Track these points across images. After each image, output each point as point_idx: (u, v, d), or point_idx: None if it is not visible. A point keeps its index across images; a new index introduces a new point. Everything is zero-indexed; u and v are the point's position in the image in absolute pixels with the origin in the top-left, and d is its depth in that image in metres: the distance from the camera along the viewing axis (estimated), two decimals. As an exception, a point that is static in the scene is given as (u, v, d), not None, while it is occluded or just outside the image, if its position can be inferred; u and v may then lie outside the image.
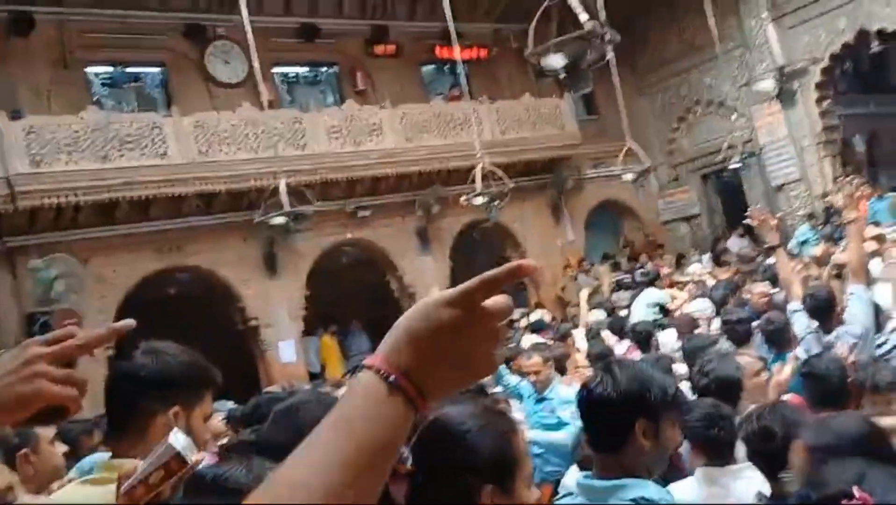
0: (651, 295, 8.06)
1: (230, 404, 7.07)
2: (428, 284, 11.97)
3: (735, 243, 13.25)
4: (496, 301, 0.72)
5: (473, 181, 9.28)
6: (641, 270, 11.04)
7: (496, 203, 9.66)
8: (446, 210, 11.80)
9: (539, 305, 12.25)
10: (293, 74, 13.01)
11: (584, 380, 1.94)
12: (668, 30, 14.50)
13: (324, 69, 13.18)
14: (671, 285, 9.60)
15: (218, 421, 3.86)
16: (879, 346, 3.68)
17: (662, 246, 14.71)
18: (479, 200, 9.46)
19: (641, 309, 7.86)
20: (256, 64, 8.38)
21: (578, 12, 4.07)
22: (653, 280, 8.55)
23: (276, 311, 10.64)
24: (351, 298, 12.53)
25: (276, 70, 12.17)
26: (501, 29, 13.44)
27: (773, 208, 13.59)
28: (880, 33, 11.66)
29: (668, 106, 15.03)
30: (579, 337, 7.06)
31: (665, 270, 11.57)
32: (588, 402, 1.77)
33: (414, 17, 12.74)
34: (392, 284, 12.11)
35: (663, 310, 7.60)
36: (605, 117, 14.23)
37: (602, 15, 5.69)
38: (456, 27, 9.52)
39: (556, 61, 4.22)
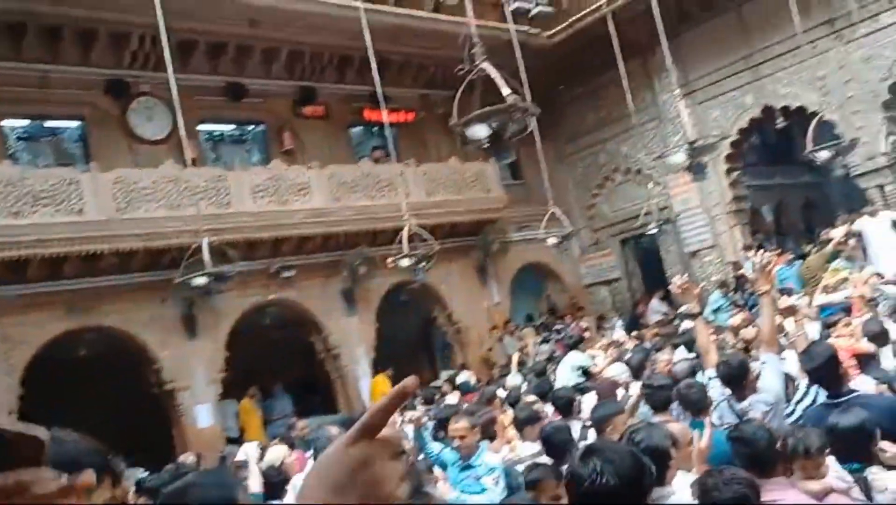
0: (574, 359, 8.16)
1: (141, 472, 6.74)
2: (353, 345, 11.86)
3: (656, 307, 13.66)
4: (389, 434, 0.75)
5: (400, 242, 9.33)
6: (567, 334, 11.21)
7: (423, 264, 9.71)
8: (373, 271, 11.77)
9: (464, 367, 12.26)
10: (219, 132, 12.93)
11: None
12: (588, 102, 15.13)
13: (250, 128, 13.14)
14: (606, 347, 9.76)
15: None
16: (788, 415, 3.81)
17: (583, 308, 15.02)
18: (406, 262, 9.50)
19: (565, 373, 7.95)
20: (181, 121, 8.28)
21: (501, 86, 4.21)
22: (576, 343, 8.66)
23: (194, 373, 10.29)
24: (274, 359, 12.25)
25: (201, 127, 12.07)
26: (429, 94, 13.75)
27: (688, 273, 14.14)
28: (784, 110, 12.45)
29: (589, 173, 15.57)
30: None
31: (587, 333, 11.78)
32: (589, 494, 1.73)
33: (343, 80, 12.91)
34: (317, 345, 11.92)
35: (586, 373, 7.69)
36: (530, 182, 14.62)
37: (525, 88, 5.91)
38: (384, 91, 9.70)
39: (479, 132, 4.34)
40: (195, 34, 10.96)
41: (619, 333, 11.07)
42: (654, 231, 13.35)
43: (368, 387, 11.66)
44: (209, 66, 11.62)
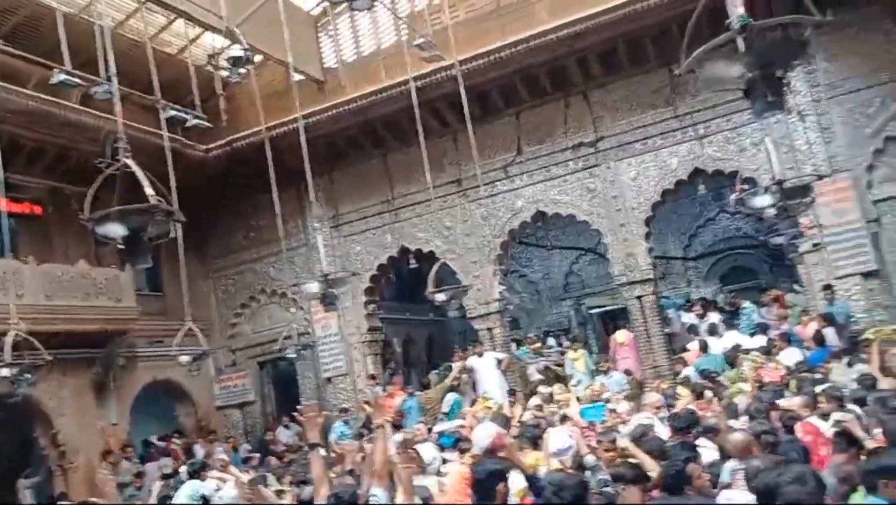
0: (193, 486, 7.69)
1: None
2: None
3: (282, 434, 13.54)
4: None
5: (2, 348, 8.08)
6: (190, 461, 10.49)
7: (28, 376, 8.47)
8: (-38, 380, 9.94)
9: (62, 498, 10.73)
10: None
11: None
12: (240, 220, 15.16)
13: None
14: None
15: None
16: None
17: (215, 432, 14.30)
18: (6, 372, 8.21)
19: (182, 501, 7.46)
20: None
21: (144, 185, 4.05)
22: (198, 470, 8.17)
23: None
24: None
25: None
26: (63, 189, 12.56)
27: (322, 400, 14.40)
28: (418, 252, 13.77)
29: (235, 292, 15.36)
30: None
31: (222, 457, 11.19)
32: None
33: (-43, 158, 11.23)
34: None
35: (205, 499, 7.27)
36: (169, 295, 13.90)
37: (174, 195, 5.75)
38: (7, 178, 8.66)
39: (114, 230, 4.08)
40: None
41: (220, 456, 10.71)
42: (293, 355, 13.43)
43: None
44: None
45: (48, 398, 11.55)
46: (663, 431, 6.33)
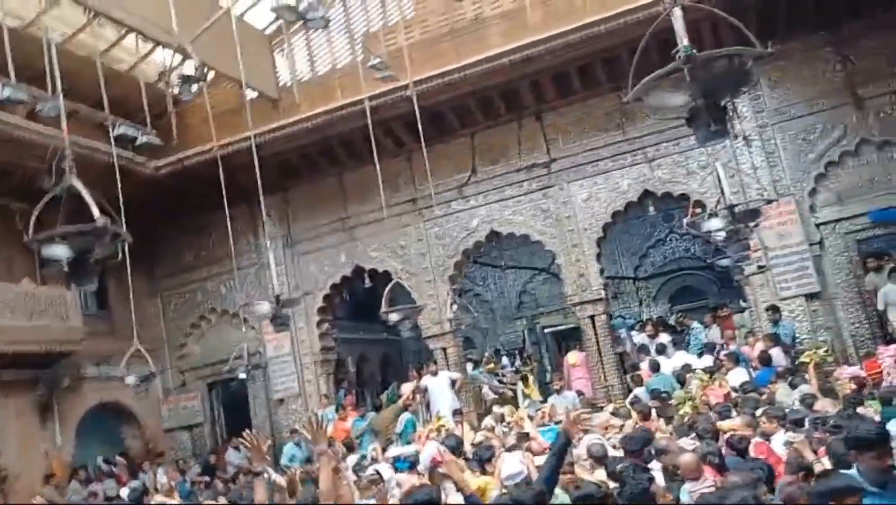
0: None
1: None
2: None
3: (233, 456, 13.31)
4: None
5: (-61, 371, 7.82)
6: (132, 487, 10.26)
7: (-34, 399, 8.20)
8: None
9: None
10: None
11: None
12: (190, 238, 14.94)
13: None
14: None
15: None
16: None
17: (163, 454, 14.00)
18: (-57, 394, 7.93)
19: None
20: None
21: (91, 205, 3.98)
22: (140, 495, 8.05)
23: None
24: None
25: None
26: (8, 205, 12.21)
27: (274, 421, 14.22)
28: (372, 272, 13.73)
29: (184, 311, 15.09)
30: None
31: (163, 481, 11.02)
32: None
33: None
34: None
35: None
36: (116, 314, 13.58)
37: (122, 214, 5.65)
38: (-52, 194, 8.40)
39: (59, 251, 3.99)
40: None
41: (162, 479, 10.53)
42: (244, 376, 13.24)
43: None
44: None
45: (-13, 421, 11.18)
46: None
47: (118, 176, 8.59)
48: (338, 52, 14.08)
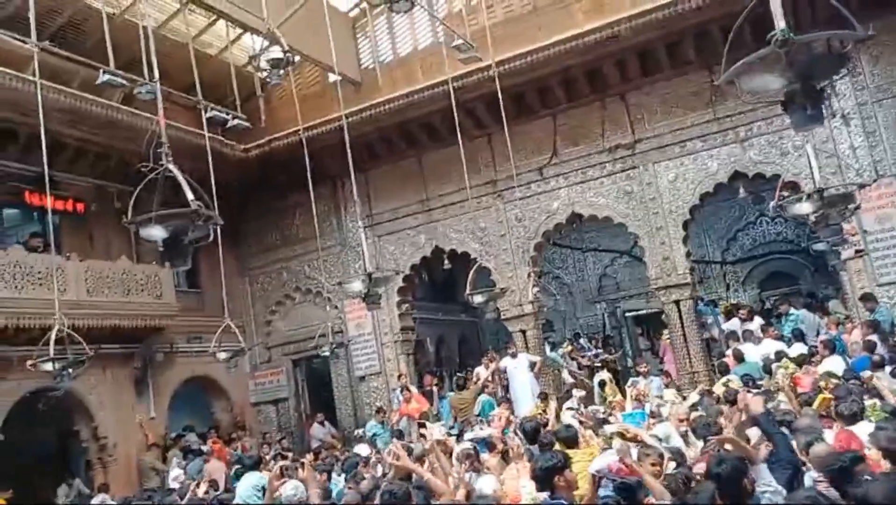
0: (253, 479, 7.92)
1: None
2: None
3: (317, 431, 13.66)
4: None
5: (46, 343, 8.24)
6: (248, 455, 10.67)
7: (70, 371, 8.64)
8: (7, 373, 10.21)
9: (103, 489, 10.96)
10: None
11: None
12: (276, 219, 15.33)
13: None
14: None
15: None
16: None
17: (246, 427, 14.50)
18: (50, 366, 8.37)
19: (245, 491, 7.75)
20: None
21: (185, 190, 4.11)
22: (256, 464, 8.42)
23: None
24: None
25: None
26: (105, 186, 12.80)
27: (355, 397, 14.52)
28: (451, 253, 13.77)
29: (269, 290, 15.52)
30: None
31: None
32: None
33: (3, 155, 11.47)
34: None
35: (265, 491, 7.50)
36: (207, 292, 14.10)
37: (213, 196, 5.81)
38: (53, 175, 8.83)
39: (156, 233, 4.14)
40: None
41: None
42: (327, 353, 13.55)
43: (-23, 511, 9.81)
44: None
45: (88, 392, 11.80)
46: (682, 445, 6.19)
47: (209, 160, 8.83)
48: (420, 34, 14.08)
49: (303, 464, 6.17)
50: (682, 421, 7.05)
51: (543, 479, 4.35)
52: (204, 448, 12.31)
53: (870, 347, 9.38)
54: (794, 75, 3.64)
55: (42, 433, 12.27)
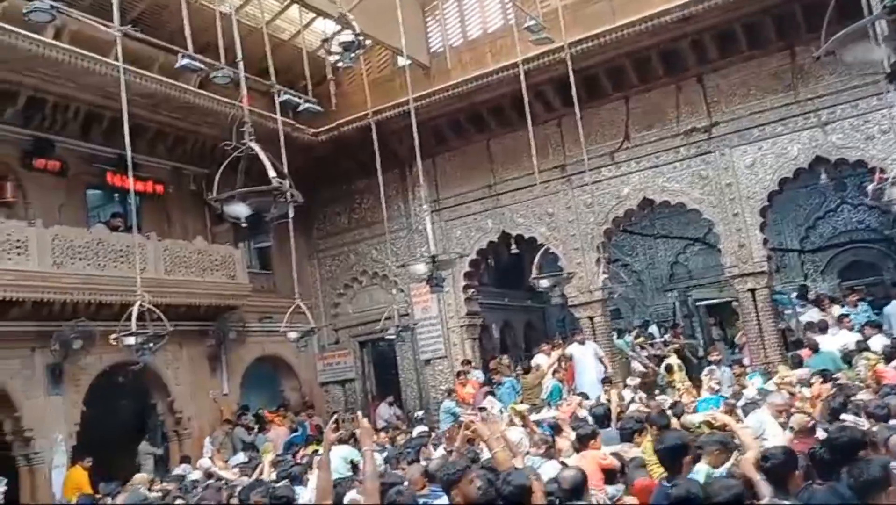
0: (342, 451, 8.16)
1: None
2: (52, 428, 10.48)
3: (383, 412, 13.83)
4: None
5: (128, 319, 8.54)
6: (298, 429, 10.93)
7: (151, 345, 8.93)
8: (90, 347, 10.63)
9: (185, 460, 11.34)
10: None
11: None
12: (344, 202, 15.51)
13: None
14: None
15: None
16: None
17: (313, 406, 14.78)
18: (132, 340, 8.67)
19: (336, 463, 7.94)
20: None
21: (268, 167, 4.17)
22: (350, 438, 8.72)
23: None
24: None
25: None
26: (182, 169, 13.17)
27: (420, 380, 14.63)
28: (518, 238, 13.68)
29: (337, 272, 15.73)
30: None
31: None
32: None
33: (87, 138, 11.91)
34: (6, 425, 10.37)
35: (355, 466, 7.67)
36: (277, 274, 14.40)
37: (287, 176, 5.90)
38: (134, 157, 9.09)
39: (240, 210, 4.22)
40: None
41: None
42: (393, 336, 13.66)
43: (62, 478, 10.30)
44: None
45: (165, 367, 12.21)
46: (779, 436, 5.98)
47: (282, 143, 8.97)
48: (490, 16, 13.97)
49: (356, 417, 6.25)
50: (780, 412, 6.70)
51: (669, 458, 4.20)
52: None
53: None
54: (898, 46, 3.45)
55: (122, 406, 12.78)
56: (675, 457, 4.15)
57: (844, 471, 3.33)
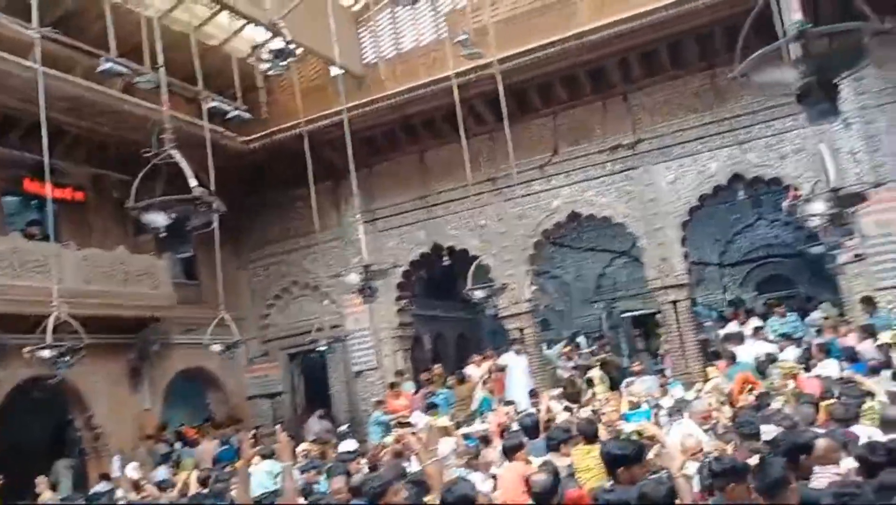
0: (266, 466, 8.17)
1: None
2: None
3: (315, 424, 13.64)
4: None
5: (43, 331, 8.21)
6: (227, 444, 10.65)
7: (67, 359, 8.61)
8: (3, 361, 10.18)
9: (104, 477, 10.94)
10: None
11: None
12: (276, 212, 15.27)
13: None
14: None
15: None
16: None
17: (241, 421, 14.46)
18: (48, 353, 8.34)
19: (261, 477, 7.91)
20: None
21: (188, 176, 4.10)
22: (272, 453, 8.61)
23: None
24: None
25: None
26: (104, 176, 12.76)
27: (350, 393, 14.51)
28: (450, 249, 13.76)
29: (268, 283, 15.50)
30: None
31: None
32: None
33: (4, 142, 11.44)
34: None
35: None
36: (204, 284, 14.07)
37: (212, 186, 5.81)
38: (52, 163, 8.78)
39: (158, 219, 4.13)
40: None
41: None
42: (324, 348, 13.53)
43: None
44: None
45: (84, 382, 11.76)
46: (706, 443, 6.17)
47: (209, 150, 8.82)
48: (423, 30, 14.07)
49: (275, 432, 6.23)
50: (704, 418, 6.88)
51: (610, 464, 4.24)
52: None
53: (850, 355, 9.39)
54: (809, 68, 3.63)
55: (38, 422, 12.24)
56: (617, 465, 4.21)
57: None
